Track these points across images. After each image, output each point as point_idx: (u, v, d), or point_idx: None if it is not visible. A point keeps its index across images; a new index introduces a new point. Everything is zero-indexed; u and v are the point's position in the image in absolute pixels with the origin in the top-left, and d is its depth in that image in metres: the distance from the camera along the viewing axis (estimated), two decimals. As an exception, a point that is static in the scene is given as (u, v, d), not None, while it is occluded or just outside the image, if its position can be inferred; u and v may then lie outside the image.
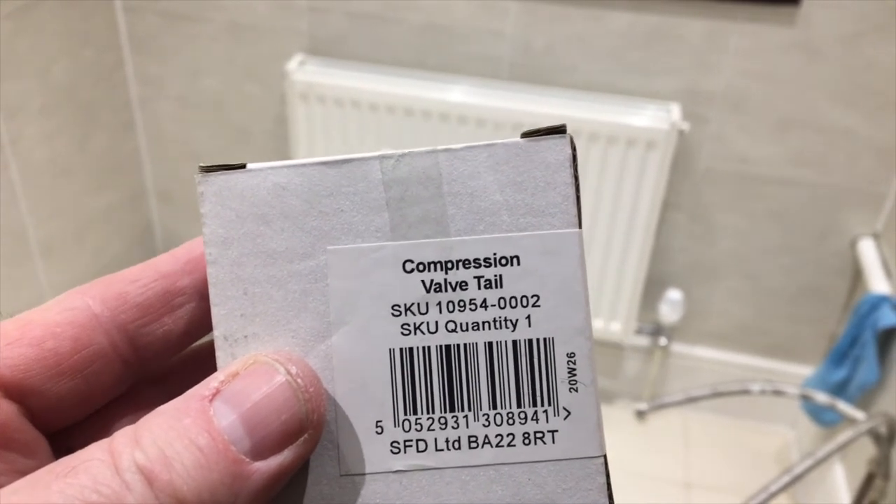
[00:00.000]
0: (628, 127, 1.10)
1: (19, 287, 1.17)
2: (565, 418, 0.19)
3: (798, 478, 0.75)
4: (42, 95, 1.15)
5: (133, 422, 0.17)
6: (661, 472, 1.32)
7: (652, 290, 1.30)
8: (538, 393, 0.19)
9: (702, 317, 1.34)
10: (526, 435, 0.19)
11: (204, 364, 0.19)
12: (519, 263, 0.19)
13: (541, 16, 1.13)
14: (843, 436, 0.77)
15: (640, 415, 0.94)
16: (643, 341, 1.36)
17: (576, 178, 0.19)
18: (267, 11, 1.22)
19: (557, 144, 0.19)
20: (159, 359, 0.20)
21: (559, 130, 0.19)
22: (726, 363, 1.36)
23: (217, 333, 0.19)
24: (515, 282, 0.19)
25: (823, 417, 1.15)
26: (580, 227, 0.19)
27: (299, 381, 0.17)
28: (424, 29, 1.18)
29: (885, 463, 0.84)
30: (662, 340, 1.34)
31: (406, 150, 0.19)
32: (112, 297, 0.19)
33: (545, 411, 0.19)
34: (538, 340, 0.19)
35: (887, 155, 1.13)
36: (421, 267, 0.19)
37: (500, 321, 0.19)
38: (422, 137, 1.16)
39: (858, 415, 0.84)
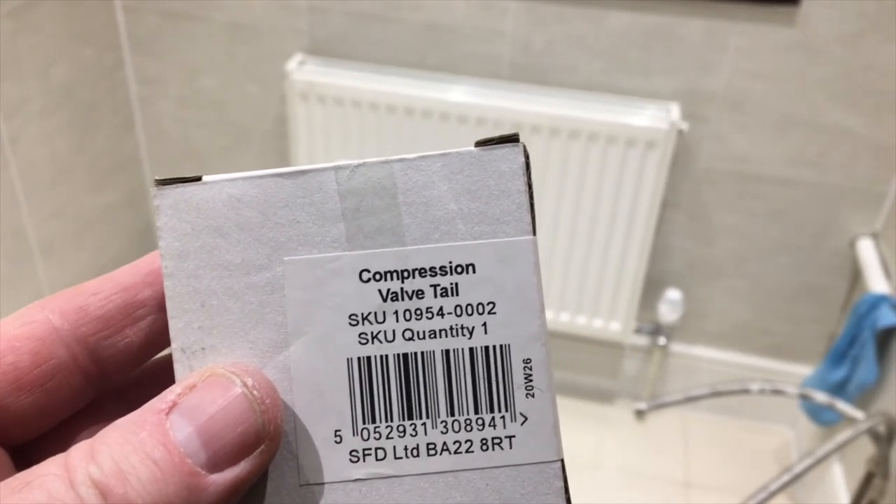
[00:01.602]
0: (628, 126, 1.10)
1: (19, 287, 1.17)
2: (522, 424, 0.19)
3: (797, 477, 0.75)
4: (42, 95, 1.15)
5: (95, 434, 0.17)
6: (661, 472, 1.32)
7: (651, 289, 1.30)
8: (495, 399, 0.19)
9: (701, 316, 1.34)
10: (484, 441, 0.19)
11: (166, 376, 0.19)
12: (474, 271, 0.19)
13: (540, 15, 1.13)
14: (842, 435, 0.77)
15: (640, 414, 0.94)
16: (642, 341, 1.36)
17: (529, 185, 0.19)
18: (266, 11, 1.22)
19: (510, 153, 0.19)
20: (121, 372, 0.20)
21: (512, 139, 0.19)
22: (725, 363, 1.36)
23: (175, 346, 0.19)
24: (471, 290, 0.19)
25: (822, 417, 1.15)
26: (534, 234, 0.19)
27: (255, 392, 0.17)
28: (424, 29, 1.18)
29: (883, 462, 0.84)
30: (662, 340, 1.34)
31: (361, 161, 0.19)
32: (72, 310, 0.19)
33: (502, 417, 0.19)
34: (494, 347, 0.19)
35: (887, 155, 1.13)
36: (377, 276, 0.19)
37: (457, 329, 0.19)
38: (422, 137, 1.16)
39: (857, 414, 0.84)
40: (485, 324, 0.19)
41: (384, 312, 0.19)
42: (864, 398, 1.12)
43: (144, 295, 0.20)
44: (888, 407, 1.03)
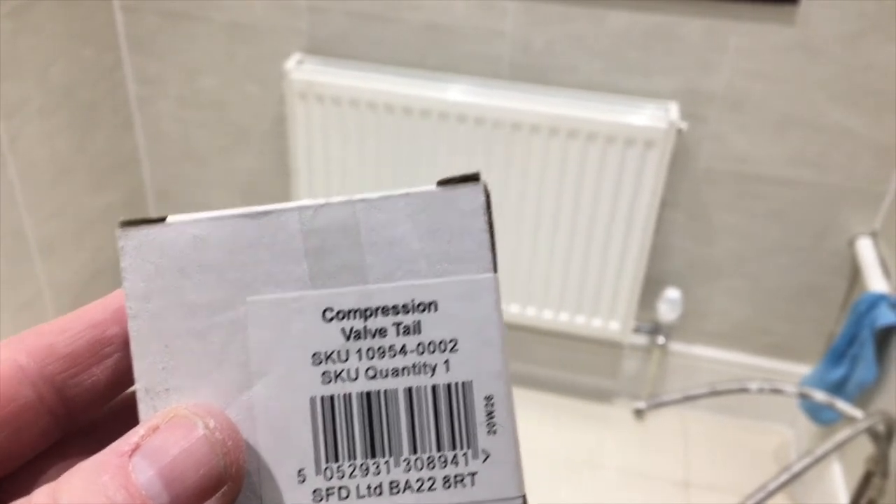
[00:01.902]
0: (627, 126, 1.10)
1: (19, 287, 1.17)
2: (484, 460, 0.19)
3: (796, 476, 0.75)
4: (41, 95, 1.15)
5: (62, 474, 0.17)
6: (660, 471, 1.32)
7: (650, 288, 1.30)
8: (457, 436, 0.19)
9: (700, 316, 1.34)
10: (446, 478, 0.19)
11: (132, 415, 0.19)
12: (437, 309, 0.19)
13: (540, 15, 1.13)
14: (842, 434, 0.78)
15: (639, 413, 0.94)
16: (642, 340, 1.37)
17: (490, 224, 0.19)
18: (266, 11, 1.22)
19: (471, 192, 0.19)
20: (88, 410, 0.20)
21: (473, 178, 0.19)
22: (725, 362, 1.36)
23: (139, 386, 0.19)
24: (433, 327, 0.19)
25: (822, 416, 1.15)
26: (496, 271, 0.19)
27: (217, 434, 0.17)
28: (424, 28, 1.18)
29: (883, 461, 0.84)
30: (661, 339, 1.34)
31: (324, 201, 0.19)
32: (40, 348, 0.19)
33: (465, 454, 0.19)
34: (457, 385, 0.19)
35: (886, 155, 1.13)
36: (340, 315, 0.19)
37: (420, 367, 0.19)
38: (421, 137, 1.16)
39: (856, 413, 0.84)
40: (447, 361, 0.19)
41: (347, 351, 0.19)
42: (863, 397, 1.12)
43: (112, 332, 0.20)
44: (887, 406, 1.03)
